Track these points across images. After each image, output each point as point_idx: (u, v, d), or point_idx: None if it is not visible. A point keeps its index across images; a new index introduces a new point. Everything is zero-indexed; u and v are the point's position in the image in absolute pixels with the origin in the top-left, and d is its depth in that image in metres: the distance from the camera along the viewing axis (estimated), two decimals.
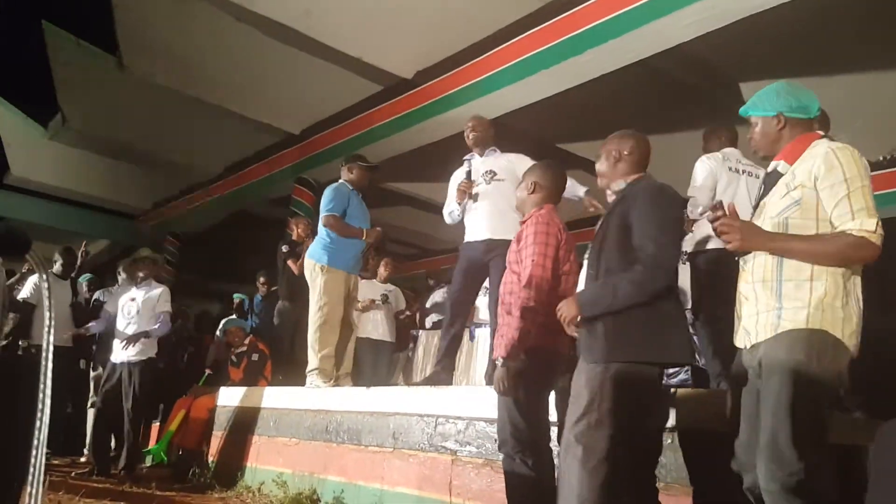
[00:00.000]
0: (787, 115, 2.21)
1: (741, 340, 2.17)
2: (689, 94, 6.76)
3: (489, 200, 4.13)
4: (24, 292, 5.88)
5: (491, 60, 6.47)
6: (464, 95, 6.73)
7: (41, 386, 0.83)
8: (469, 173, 4.27)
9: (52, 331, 0.88)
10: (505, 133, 7.50)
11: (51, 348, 0.85)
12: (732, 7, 4.86)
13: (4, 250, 0.76)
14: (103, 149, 10.43)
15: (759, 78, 6.57)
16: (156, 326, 5.53)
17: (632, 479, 2.34)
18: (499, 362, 2.73)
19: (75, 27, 8.00)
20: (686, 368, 4.20)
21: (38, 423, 0.82)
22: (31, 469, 0.81)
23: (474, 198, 4.16)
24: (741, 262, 2.22)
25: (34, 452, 0.82)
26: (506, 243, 3.44)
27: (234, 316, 7.46)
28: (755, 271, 2.13)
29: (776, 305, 2.04)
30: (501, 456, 2.84)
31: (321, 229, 4.87)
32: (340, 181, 5.00)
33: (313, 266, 4.81)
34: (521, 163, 4.06)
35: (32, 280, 5.97)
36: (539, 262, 2.73)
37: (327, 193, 4.87)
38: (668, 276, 2.39)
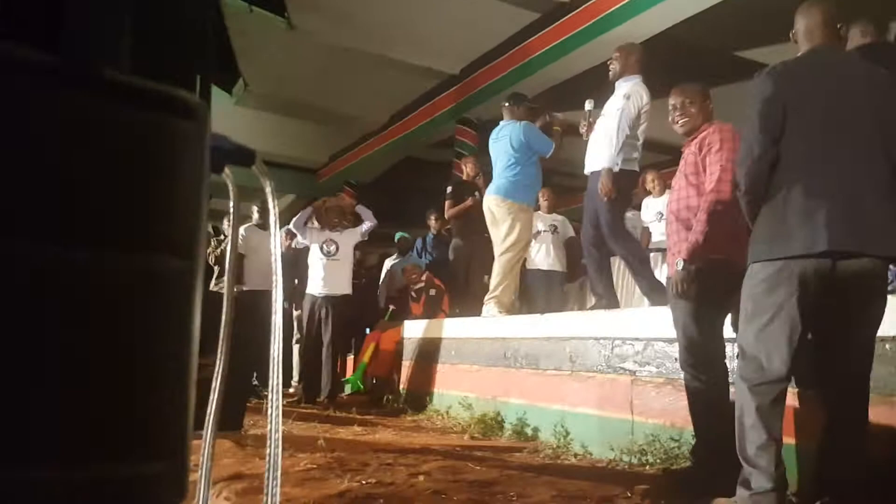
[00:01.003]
0: None
1: None
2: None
3: (595, 135, 4.36)
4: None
5: None
6: (625, 11, 6.43)
7: (273, 318, 0.96)
8: (589, 111, 4.55)
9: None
10: (672, 48, 7.15)
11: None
12: None
13: (236, 163, 0.88)
14: (282, 109, 11.19)
15: None
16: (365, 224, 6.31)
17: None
18: (678, 265, 2.70)
19: None
20: None
21: (272, 353, 0.95)
22: (271, 401, 0.95)
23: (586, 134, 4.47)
24: None
25: (271, 383, 0.95)
26: (595, 174, 4.12)
27: (395, 254, 7.86)
28: None
29: None
30: (683, 374, 2.83)
31: (518, 169, 4.96)
32: (521, 121, 5.06)
33: (512, 205, 4.97)
34: (617, 92, 4.29)
35: (240, 231, 6.64)
36: (729, 167, 2.67)
37: (534, 133, 5.00)
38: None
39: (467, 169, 6.89)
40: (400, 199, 13.68)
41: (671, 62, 7.64)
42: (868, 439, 2.20)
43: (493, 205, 5.05)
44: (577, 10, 6.92)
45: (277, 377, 0.97)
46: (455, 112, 9.34)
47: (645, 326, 3.54)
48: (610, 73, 4.38)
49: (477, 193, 6.53)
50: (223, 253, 6.69)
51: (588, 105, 4.58)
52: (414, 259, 7.23)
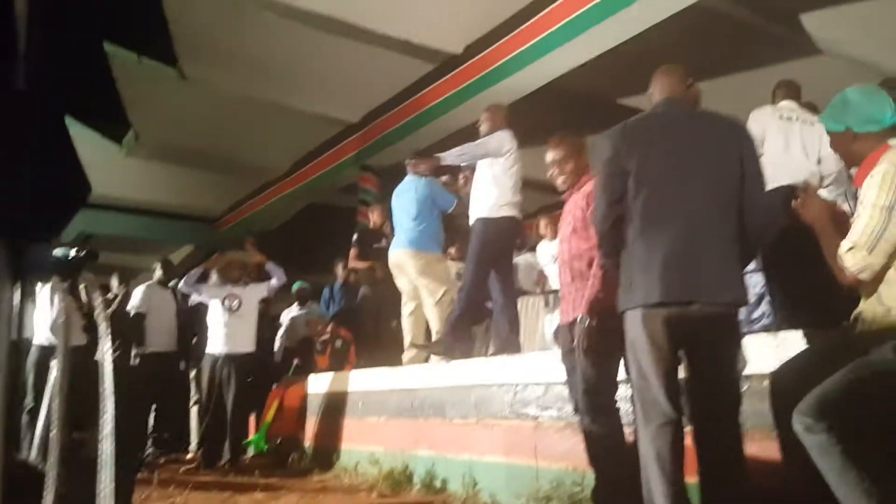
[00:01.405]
0: (855, 131, 2.08)
1: None
2: (748, 32, 6.49)
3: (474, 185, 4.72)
4: (133, 302, 6.28)
5: (539, 24, 6.38)
6: (515, 63, 6.68)
7: (102, 391, 0.92)
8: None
9: (109, 350, 0.98)
10: (562, 97, 7.48)
11: (108, 362, 0.95)
12: None
13: (60, 274, 0.85)
14: (177, 158, 10.86)
15: (818, 7, 6.26)
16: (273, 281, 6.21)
17: None
18: (580, 320, 2.75)
19: (135, 44, 8.31)
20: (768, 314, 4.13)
21: (100, 427, 0.91)
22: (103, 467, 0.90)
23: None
24: None
25: (101, 460, 0.91)
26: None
27: (295, 305, 7.73)
28: None
29: None
30: (580, 419, 2.88)
31: (426, 222, 5.02)
32: (423, 176, 5.13)
33: (428, 256, 4.98)
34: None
35: (140, 291, 6.36)
36: None
37: (436, 189, 5.13)
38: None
39: (374, 217, 6.89)
40: (305, 247, 13.49)
41: (559, 109, 8.02)
42: (748, 473, 2.29)
43: (403, 259, 5.03)
44: (469, 63, 7.13)
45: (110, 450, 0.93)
46: (357, 159, 9.36)
47: (545, 370, 3.60)
48: (481, 131, 4.70)
49: (384, 240, 6.54)
50: (114, 313, 6.37)
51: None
52: (317, 310, 7.11)
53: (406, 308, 5.13)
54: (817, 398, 1.83)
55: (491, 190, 4.48)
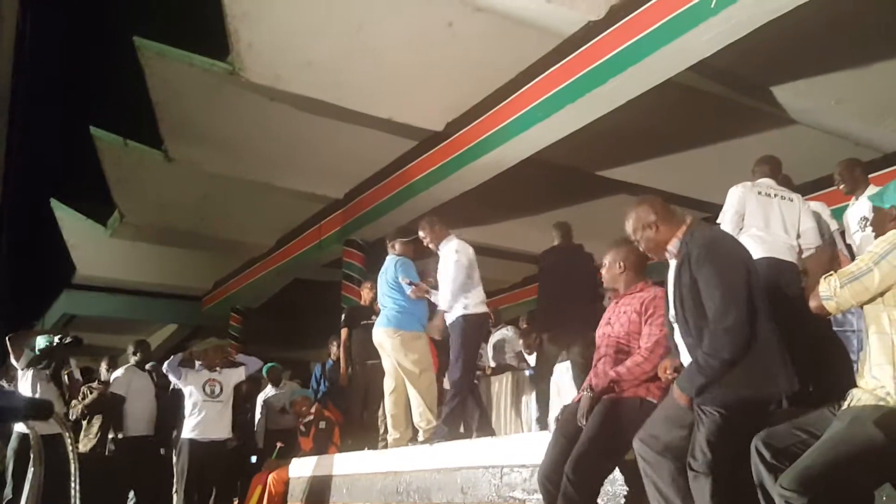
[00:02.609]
0: None
1: None
2: (722, 105, 6.67)
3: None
4: (113, 387, 6.15)
5: (517, 102, 6.54)
6: (495, 139, 6.81)
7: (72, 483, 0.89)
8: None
9: (76, 482, 0.96)
10: (541, 169, 7.60)
11: (77, 487, 0.92)
12: (748, 17, 4.80)
13: (32, 417, 0.84)
14: (161, 238, 10.87)
15: (790, 79, 6.47)
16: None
17: None
18: (586, 392, 2.96)
19: (121, 129, 8.46)
20: None
21: None
22: None
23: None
24: None
25: None
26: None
27: (269, 387, 7.60)
28: None
29: None
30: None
31: (402, 301, 5.10)
32: (398, 256, 5.31)
33: (405, 335, 5.04)
34: (446, 250, 5.07)
35: (118, 374, 6.25)
36: (666, 333, 2.86)
37: (404, 267, 5.20)
38: (733, 337, 2.38)
39: (364, 295, 6.86)
40: (290, 323, 13.39)
41: (539, 181, 8.15)
42: None
43: (384, 338, 5.10)
44: (451, 139, 7.27)
45: None
46: (342, 234, 9.40)
47: (531, 452, 3.51)
48: (424, 241, 5.19)
49: (374, 317, 6.49)
50: (97, 401, 6.22)
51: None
52: (302, 391, 6.99)
53: (387, 387, 5.13)
54: (799, 472, 1.82)
55: (479, 288, 4.98)
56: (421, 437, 4.88)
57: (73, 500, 0.92)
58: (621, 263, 3.21)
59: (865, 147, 7.23)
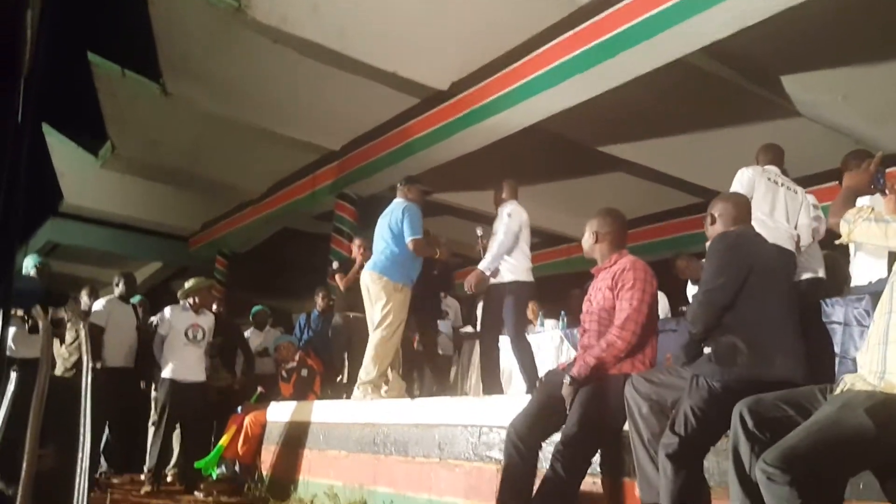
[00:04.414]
0: None
1: None
2: (729, 90, 6.66)
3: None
4: (92, 317, 6.12)
5: (524, 68, 6.48)
6: (499, 104, 6.76)
7: (82, 411, 0.88)
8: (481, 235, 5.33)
9: (89, 376, 0.94)
10: (544, 138, 7.57)
11: (89, 381, 0.91)
12: (766, 2, 4.77)
13: (45, 303, 0.82)
14: (152, 174, 10.76)
15: (800, 69, 6.45)
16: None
17: None
18: (566, 380, 2.92)
19: (120, 57, 8.30)
20: None
21: (80, 446, 0.87)
22: (77, 487, 0.86)
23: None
24: None
25: (77, 475, 0.87)
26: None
27: (252, 329, 7.63)
28: None
29: None
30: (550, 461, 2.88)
31: (396, 248, 4.92)
32: (409, 202, 5.07)
33: (387, 283, 4.87)
34: (501, 213, 5.04)
35: (100, 303, 6.21)
36: (636, 307, 2.91)
37: (412, 215, 4.97)
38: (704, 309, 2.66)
39: (354, 251, 6.79)
40: (276, 271, 13.38)
41: (539, 151, 8.12)
42: None
43: (369, 281, 4.98)
44: (455, 99, 7.20)
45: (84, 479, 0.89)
46: (335, 187, 9.34)
47: (511, 414, 3.55)
48: (495, 200, 5.17)
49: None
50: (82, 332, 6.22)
51: (479, 231, 5.34)
52: (286, 337, 7.01)
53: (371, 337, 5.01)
54: (784, 450, 1.83)
55: (523, 256, 4.94)
56: (356, 388, 4.92)
57: (82, 429, 0.91)
58: (594, 233, 3.19)
59: (867, 146, 7.26)
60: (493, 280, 4.93)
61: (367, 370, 4.87)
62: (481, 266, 4.86)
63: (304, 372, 6.33)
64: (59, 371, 5.83)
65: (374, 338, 4.90)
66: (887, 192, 2.34)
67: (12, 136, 0.66)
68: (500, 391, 4.79)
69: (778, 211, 4.10)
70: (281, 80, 7.66)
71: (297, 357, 6.51)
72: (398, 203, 5.11)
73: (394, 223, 4.98)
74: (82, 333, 0.93)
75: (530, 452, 3.00)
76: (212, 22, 6.70)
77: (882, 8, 5.42)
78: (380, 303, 4.89)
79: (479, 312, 7.68)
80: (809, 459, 1.80)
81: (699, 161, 8.15)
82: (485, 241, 5.11)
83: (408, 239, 4.88)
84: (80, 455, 0.88)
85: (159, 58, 7.51)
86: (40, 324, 0.85)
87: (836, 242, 2.32)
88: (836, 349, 3.43)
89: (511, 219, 4.89)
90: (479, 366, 5.58)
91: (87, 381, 0.90)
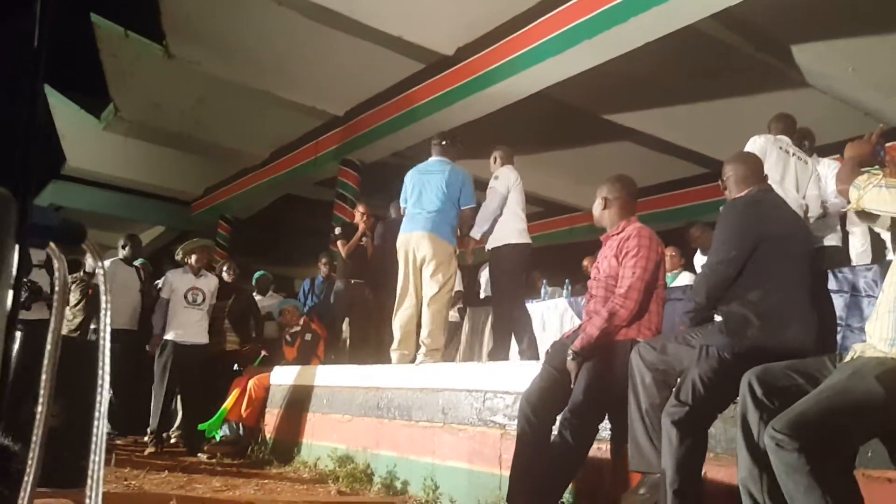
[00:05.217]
0: None
1: None
2: (739, 58, 6.57)
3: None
4: (96, 279, 6.12)
5: (532, 33, 6.39)
6: (506, 70, 6.67)
7: (99, 372, 0.87)
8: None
9: (108, 315, 0.93)
10: (550, 106, 7.50)
11: (107, 335, 0.89)
12: None
13: (62, 240, 0.80)
14: (155, 137, 10.70)
15: (811, 39, 6.36)
16: None
17: None
18: (569, 355, 2.91)
19: (123, 18, 8.20)
20: None
21: (97, 406, 0.87)
22: (93, 448, 0.86)
23: None
24: None
25: (94, 433, 0.87)
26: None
27: (255, 293, 7.64)
28: None
29: None
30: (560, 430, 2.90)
31: (452, 211, 4.74)
32: (457, 165, 4.91)
33: (447, 246, 4.70)
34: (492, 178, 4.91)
35: (105, 264, 6.23)
36: (640, 275, 2.91)
37: (471, 183, 4.84)
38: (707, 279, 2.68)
39: (357, 218, 6.73)
40: (278, 237, 13.37)
41: (544, 118, 8.05)
42: None
43: (421, 242, 4.64)
44: (460, 65, 7.12)
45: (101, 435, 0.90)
46: (338, 153, 9.29)
47: (515, 380, 3.58)
48: (491, 167, 5.03)
49: (365, 239, 6.48)
50: (90, 292, 6.24)
51: None
52: (291, 301, 7.03)
53: (405, 303, 4.75)
54: (793, 417, 1.84)
55: (514, 218, 4.79)
56: (422, 357, 4.62)
57: (99, 390, 0.90)
58: (602, 199, 3.18)
59: (875, 118, 7.19)
60: (489, 245, 4.84)
61: (435, 337, 4.60)
62: (471, 233, 4.78)
63: (308, 336, 6.37)
64: (63, 331, 5.83)
65: (436, 303, 4.61)
66: (887, 164, 2.33)
67: (30, 58, 0.65)
68: (506, 357, 4.77)
69: (788, 180, 4.10)
70: (285, 44, 7.57)
71: (301, 321, 6.54)
72: (450, 166, 4.85)
73: (450, 186, 4.73)
74: (101, 277, 0.91)
75: (543, 425, 2.99)
76: None
77: None
78: (436, 264, 4.61)
79: (481, 280, 7.72)
80: (818, 426, 1.81)
81: (706, 130, 8.09)
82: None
83: (465, 206, 4.77)
84: (96, 420, 0.88)
85: (163, 19, 7.41)
86: (55, 264, 0.83)
87: (844, 210, 2.32)
88: (842, 319, 3.44)
89: (498, 181, 4.79)
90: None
91: (104, 335, 0.90)
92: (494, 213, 4.75)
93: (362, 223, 6.55)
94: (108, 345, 0.85)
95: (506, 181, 4.79)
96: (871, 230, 4.64)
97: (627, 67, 6.27)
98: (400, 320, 4.76)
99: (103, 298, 0.87)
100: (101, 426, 0.92)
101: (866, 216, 2.24)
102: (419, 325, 4.73)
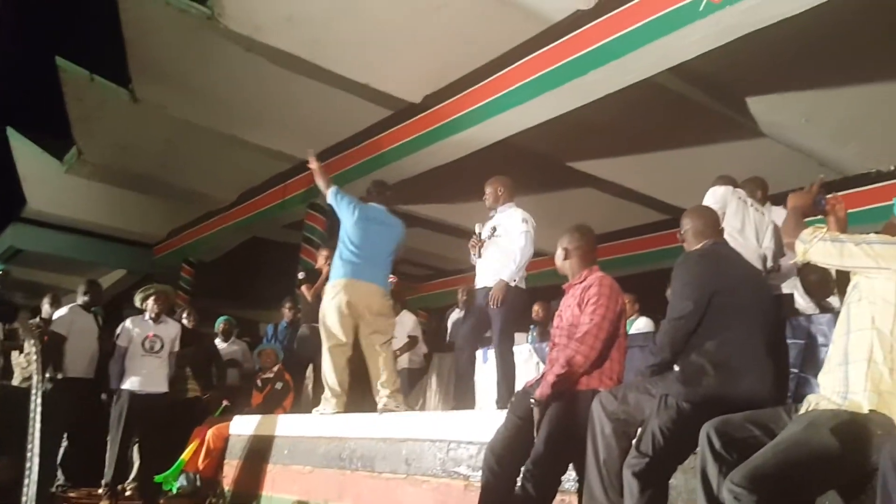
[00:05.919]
0: None
1: None
2: (696, 109, 6.78)
3: (488, 254, 4.61)
4: (54, 325, 5.97)
5: (497, 83, 6.52)
6: (472, 118, 6.79)
7: (30, 423, 0.85)
8: (480, 233, 4.69)
9: (40, 384, 0.90)
10: (514, 153, 7.61)
11: (39, 395, 0.87)
12: (735, 24, 4.86)
13: None
14: (119, 180, 10.58)
15: (765, 91, 6.59)
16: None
17: None
18: (532, 402, 2.91)
19: (88, 61, 8.16)
20: None
21: (28, 458, 0.84)
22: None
23: (479, 254, 4.65)
24: None
25: (25, 484, 0.84)
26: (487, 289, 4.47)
27: (219, 339, 7.51)
28: None
29: None
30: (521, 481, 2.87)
31: (391, 265, 4.92)
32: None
33: (389, 299, 4.90)
34: (511, 217, 4.65)
35: (61, 312, 6.07)
36: (598, 322, 2.93)
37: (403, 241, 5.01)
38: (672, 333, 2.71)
39: (320, 261, 6.71)
40: (243, 280, 13.20)
41: (509, 165, 8.14)
42: None
43: (371, 294, 4.69)
44: (427, 112, 7.22)
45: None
46: (306, 196, 9.27)
47: (479, 430, 3.54)
48: (487, 201, 4.79)
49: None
50: (45, 339, 6.05)
51: (477, 228, 4.74)
52: (271, 345, 6.89)
53: (340, 352, 4.73)
54: (750, 470, 1.85)
55: (502, 263, 4.52)
56: (386, 400, 4.57)
57: (30, 446, 0.88)
58: (563, 250, 3.22)
59: (829, 167, 7.44)
60: (478, 284, 4.64)
61: (395, 379, 4.71)
62: (505, 277, 4.41)
63: (279, 385, 6.22)
64: (16, 381, 5.67)
65: (386, 349, 4.72)
66: (829, 212, 2.42)
67: None
68: (472, 406, 4.73)
69: (748, 230, 4.21)
70: (253, 88, 7.59)
71: (275, 368, 6.41)
72: (395, 219, 4.99)
73: (396, 240, 4.92)
74: (33, 350, 0.89)
75: (508, 476, 2.96)
76: (184, 29, 6.62)
77: (845, 32, 5.58)
78: (386, 315, 4.80)
79: (449, 324, 7.69)
80: (776, 479, 1.82)
81: (666, 178, 8.27)
82: (484, 241, 4.65)
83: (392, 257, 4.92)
84: (27, 472, 0.85)
85: (129, 64, 7.40)
86: None
87: (791, 263, 2.38)
88: (798, 367, 3.49)
89: (527, 225, 4.54)
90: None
91: (36, 396, 0.87)
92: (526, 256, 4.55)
93: (326, 266, 6.50)
94: (38, 418, 0.83)
95: (534, 225, 4.61)
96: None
97: (590, 116, 6.42)
98: (337, 368, 4.74)
99: (35, 377, 0.85)
100: (31, 475, 0.88)
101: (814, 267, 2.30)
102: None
